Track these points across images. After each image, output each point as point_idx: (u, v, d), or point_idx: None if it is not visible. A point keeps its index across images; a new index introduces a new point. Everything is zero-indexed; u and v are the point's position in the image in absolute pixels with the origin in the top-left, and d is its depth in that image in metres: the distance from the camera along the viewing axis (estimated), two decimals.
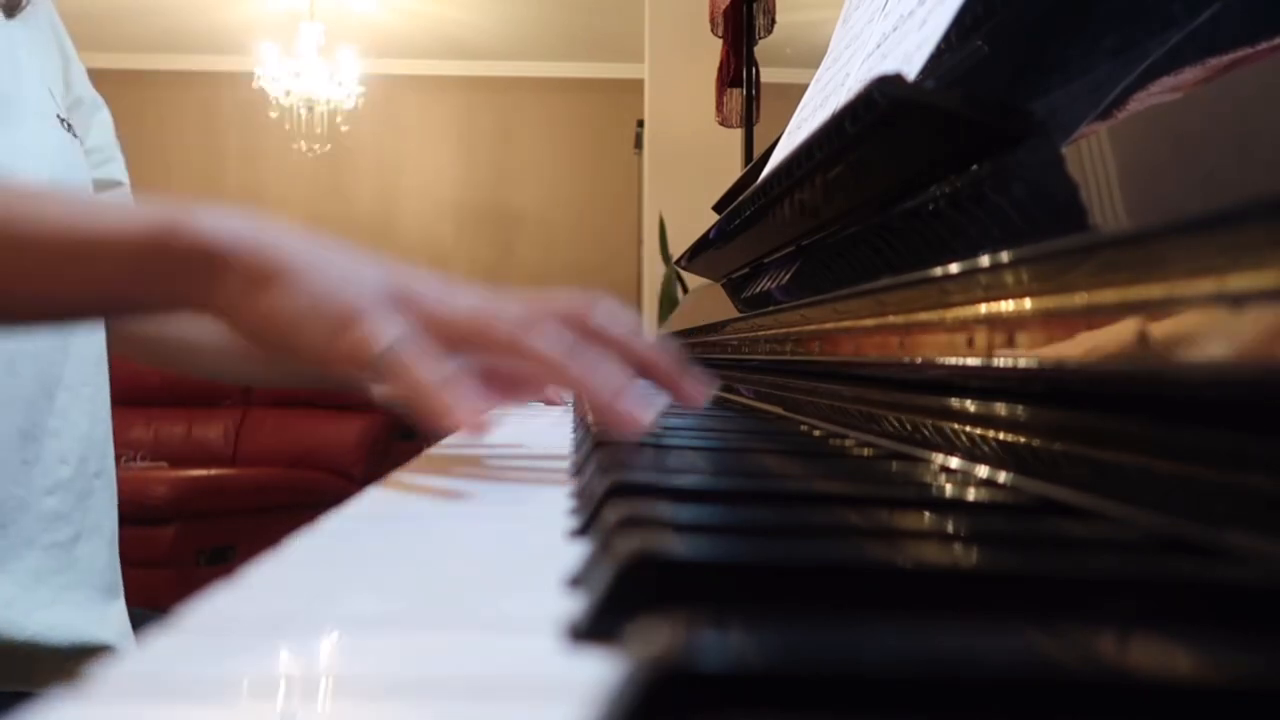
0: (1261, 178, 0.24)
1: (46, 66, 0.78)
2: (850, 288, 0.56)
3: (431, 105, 6.50)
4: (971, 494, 0.35)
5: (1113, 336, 0.30)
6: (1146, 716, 0.15)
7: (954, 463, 0.40)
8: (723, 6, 2.09)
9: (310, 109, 5.74)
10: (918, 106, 0.44)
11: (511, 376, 0.46)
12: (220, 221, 0.41)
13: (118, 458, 0.81)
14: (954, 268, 0.41)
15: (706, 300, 1.21)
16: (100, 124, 0.86)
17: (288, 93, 5.56)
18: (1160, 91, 0.34)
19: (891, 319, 0.50)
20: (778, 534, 0.28)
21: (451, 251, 6.51)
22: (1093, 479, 0.31)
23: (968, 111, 0.42)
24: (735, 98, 2.10)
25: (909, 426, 0.48)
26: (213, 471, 3.17)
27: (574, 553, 0.28)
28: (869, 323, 0.54)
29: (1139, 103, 0.35)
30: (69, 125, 0.76)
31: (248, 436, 3.77)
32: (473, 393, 0.38)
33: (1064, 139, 0.36)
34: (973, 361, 0.40)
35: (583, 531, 0.31)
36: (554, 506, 0.36)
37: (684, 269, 1.23)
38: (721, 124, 2.17)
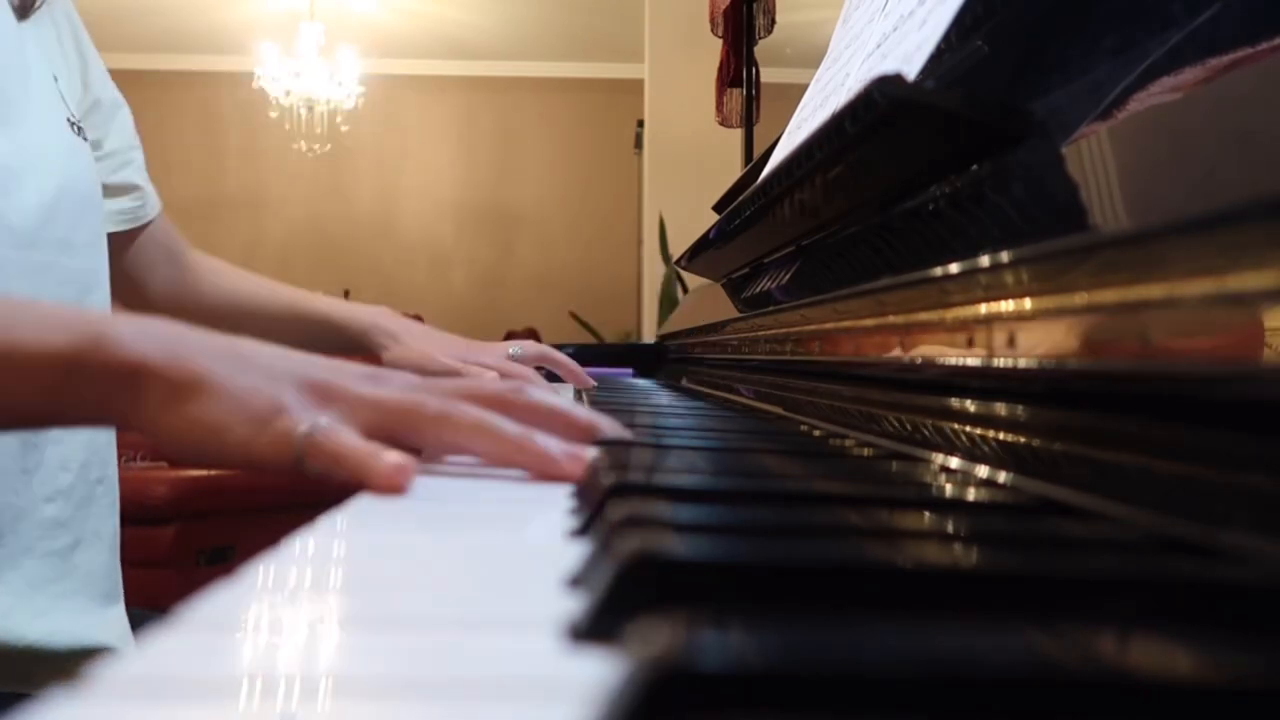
0: (1261, 178, 0.24)
1: (60, 68, 0.77)
2: (850, 288, 0.56)
3: (431, 105, 6.50)
4: (971, 494, 0.35)
5: (1113, 336, 0.30)
6: (1146, 716, 0.15)
7: (954, 463, 0.40)
8: (723, 6, 2.09)
9: (310, 109, 5.74)
10: (918, 106, 0.44)
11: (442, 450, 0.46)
12: (140, 335, 0.41)
13: (118, 458, 0.81)
14: (954, 268, 0.40)
15: (706, 300, 1.21)
16: (120, 125, 0.85)
17: (288, 93, 5.56)
18: (1160, 91, 0.34)
19: (891, 319, 0.50)
20: (778, 534, 0.28)
21: (451, 251, 6.51)
22: (1093, 479, 0.31)
23: (968, 111, 0.42)
24: (735, 98, 2.10)
25: (909, 426, 0.48)
26: (212, 471, 3.16)
27: (574, 553, 0.28)
28: (869, 323, 0.54)
29: (1139, 103, 0.35)
30: (79, 129, 0.76)
31: None
32: (393, 453, 0.38)
33: (1064, 139, 0.36)
34: (973, 361, 0.40)
35: (583, 531, 0.31)
36: (554, 506, 0.36)
37: (684, 269, 1.23)
38: (721, 124, 2.17)
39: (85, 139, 0.77)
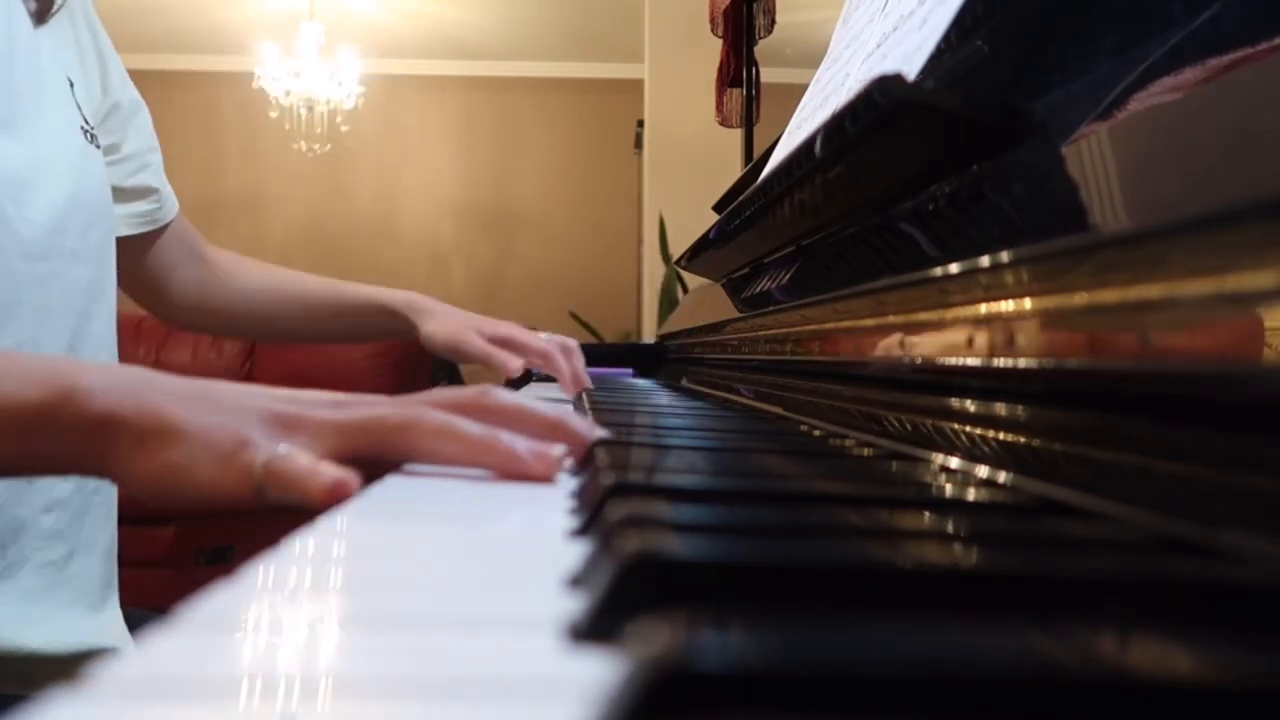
0: (1262, 178, 0.24)
1: (77, 74, 0.77)
2: (850, 288, 0.56)
3: (431, 105, 6.50)
4: (971, 494, 0.35)
5: (1113, 336, 0.30)
6: (1146, 716, 0.15)
7: (954, 463, 0.40)
8: (723, 6, 2.09)
9: (310, 109, 5.74)
10: (918, 106, 0.44)
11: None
12: (108, 387, 0.41)
13: None
14: (954, 268, 0.40)
15: (706, 300, 1.21)
16: (138, 127, 0.85)
17: (288, 93, 5.56)
18: (1160, 91, 0.34)
19: (891, 319, 0.50)
20: (778, 534, 0.28)
21: (451, 251, 6.51)
22: (1093, 479, 0.31)
23: (968, 111, 0.42)
24: (735, 98, 2.09)
25: (909, 426, 0.48)
26: None
27: (574, 553, 0.28)
28: (869, 323, 0.54)
29: (1139, 103, 0.35)
30: (93, 136, 0.76)
31: None
32: (333, 469, 0.38)
33: (1064, 139, 0.36)
34: (973, 361, 0.40)
35: (583, 531, 0.31)
36: (554, 506, 0.36)
37: (684, 269, 1.23)
38: (721, 124, 2.17)
39: (98, 146, 0.77)
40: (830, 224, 0.65)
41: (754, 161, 1.23)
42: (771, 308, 0.79)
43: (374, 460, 0.42)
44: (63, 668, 0.69)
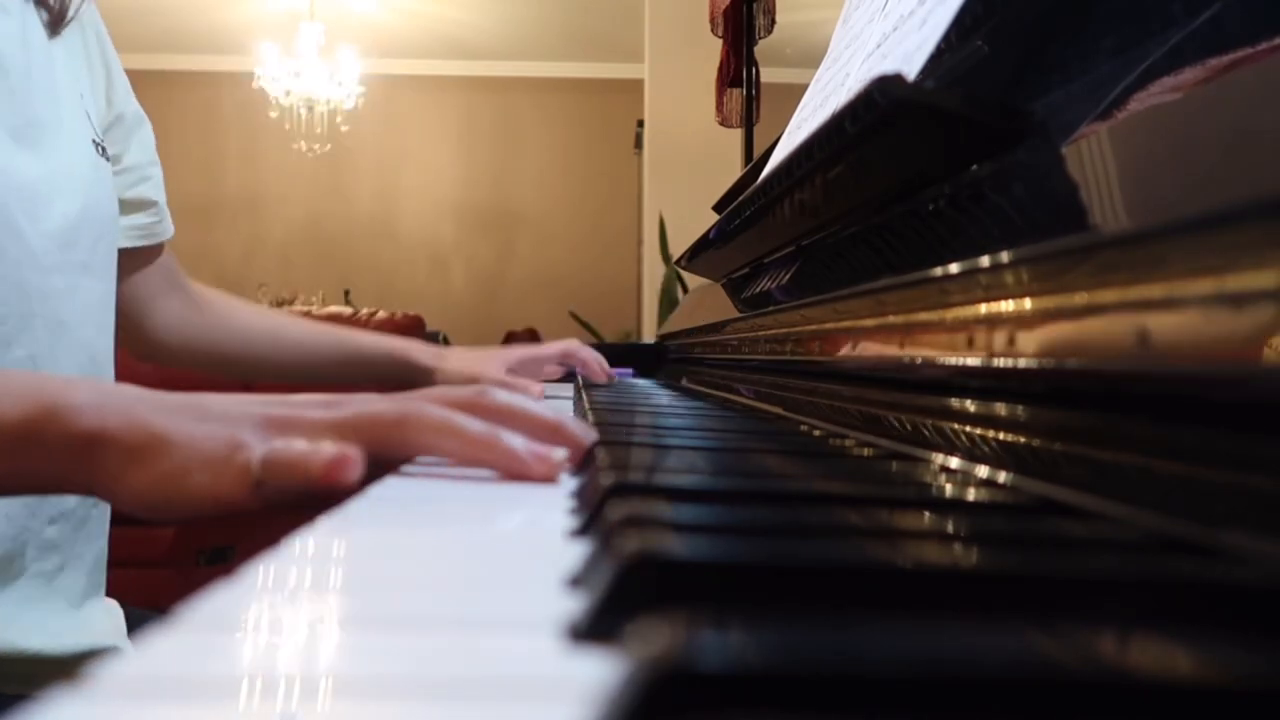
0: (1261, 178, 0.24)
1: (86, 85, 0.77)
2: (850, 288, 0.56)
3: (431, 105, 6.51)
4: (971, 494, 0.35)
5: (1113, 336, 0.30)
6: (1146, 716, 0.15)
7: (954, 463, 0.40)
8: (723, 6, 2.09)
9: (310, 109, 5.74)
10: (918, 106, 0.44)
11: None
12: (96, 404, 0.40)
13: None
14: (954, 268, 0.41)
15: (706, 300, 1.21)
16: (140, 141, 0.84)
17: (288, 93, 5.56)
18: (1160, 91, 0.34)
19: (891, 319, 0.50)
20: (778, 534, 0.28)
21: (451, 251, 6.51)
22: (1093, 479, 0.31)
23: (968, 111, 0.42)
24: (735, 98, 2.09)
25: (909, 426, 0.48)
26: None
27: (574, 553, 0.28)
28: (869, 323, 0.54)
29: (1139, 103, 0.35)
30: (103, 149, 0.76)
31: None
32: (331, 445, 0.38)
33: (1064, 139, 0.36)
34: (973, 361, 0.40)
35: (583, 531, 0.31)
36: (554, 506, 0.36)
37: (684, 269, 1.23)
38: (721, 124, 2.17)
39: (108, 158, 0.77)
40: (830, 224, 0.65)
41: (754, 161, 1.23)
42: (771, 308, 0.79)
43: (372, 457, 0.42)
44: (63, 668, 0.69)
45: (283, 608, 0.23)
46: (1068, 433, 0.34)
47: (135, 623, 0.79)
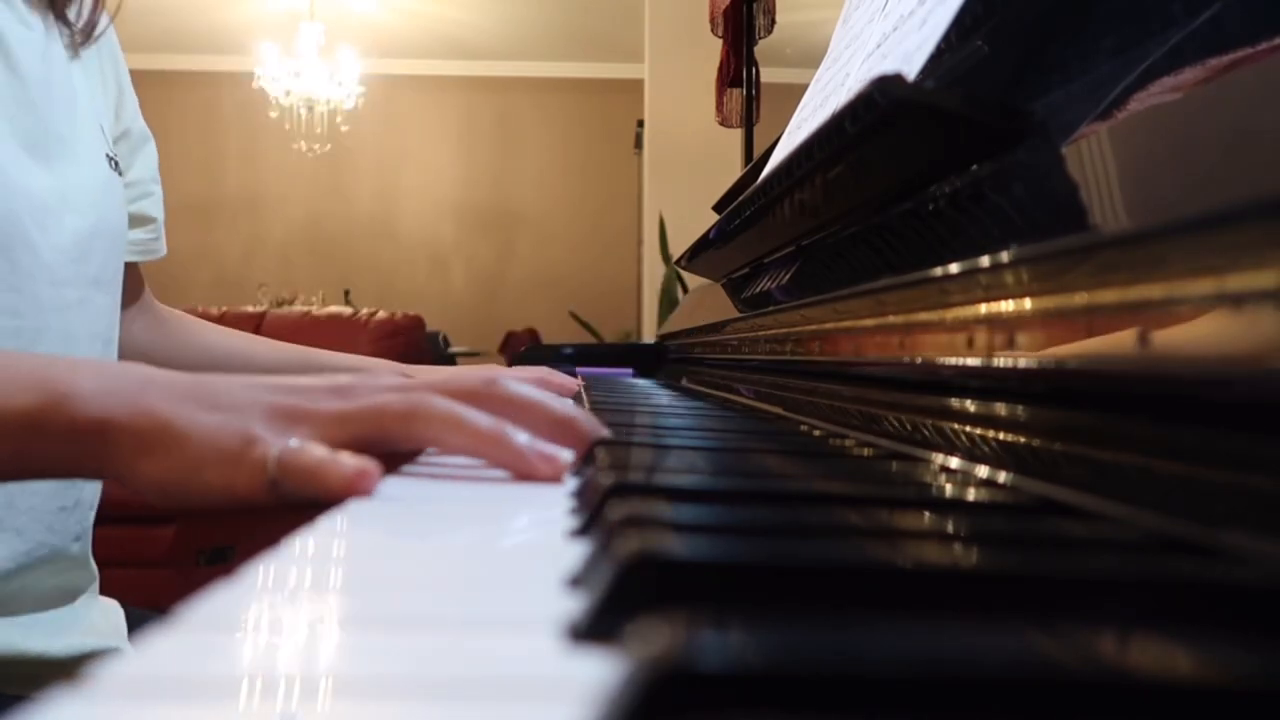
0: (1261, 178, 0.24)
1: (100, 99, 0.77)
2: (850, 288, 0.56)
3: (431, 105, 6.51)
4: (971, 494, 0.35)
5: (1113, 336, 0.30)
6: (1146, 716, 0.15)
7: (954, 463, 0.40)
8: (723, 6, 2.08)
9: (310, 109, 5.74)
10: (918, 106, 0.44)
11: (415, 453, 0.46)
12: (102, 390, 0.40)
13: None
14: (954, 268, 0.41)
15: (706, 300, 1.21)
16: (145, 158, 0.85)
17: (288, 93, 5.56)
18: (1160, 91, 0.34)
19: (891, 319, 0.50)
20: (778, 534, 0.28)
21: (451, 251, 6.51)
22: (1093, 479, 0.31)
23: (968, 111, 0.42)
24: (735, 98, 2.09)
25: (909, 426, 0.48)
26: None
27: (574, 553, 0.28)
28: (869, 323, 0.54)
29: (1139, 103, 0.35)
30: (115, 162, 0.76)
31: None
32: (352, 458, 0.38)
33: (1064, 139, 0.36)
34: (973, 361, 0.40)
35: (583, 531, 0.31)
36: (554, 506, 0.36)
37: (684, 269, 1.23)
38: (721, 124, 2.17)
39: (120, 173, 0.77)
40: (830, 224, 0.65)
41: (754, 161, 1.23)
42: (771, 308, 0.79)
43: (380, 447, 0.42)
44: (64, 669, 0.69)
45: (283, 608, 0.23)
46: (1068, 433, 0.34)
47: (135, 623, 0.79)
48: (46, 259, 0.66)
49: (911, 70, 0.52)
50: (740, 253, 0.94)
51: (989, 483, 0.37)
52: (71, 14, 0.74)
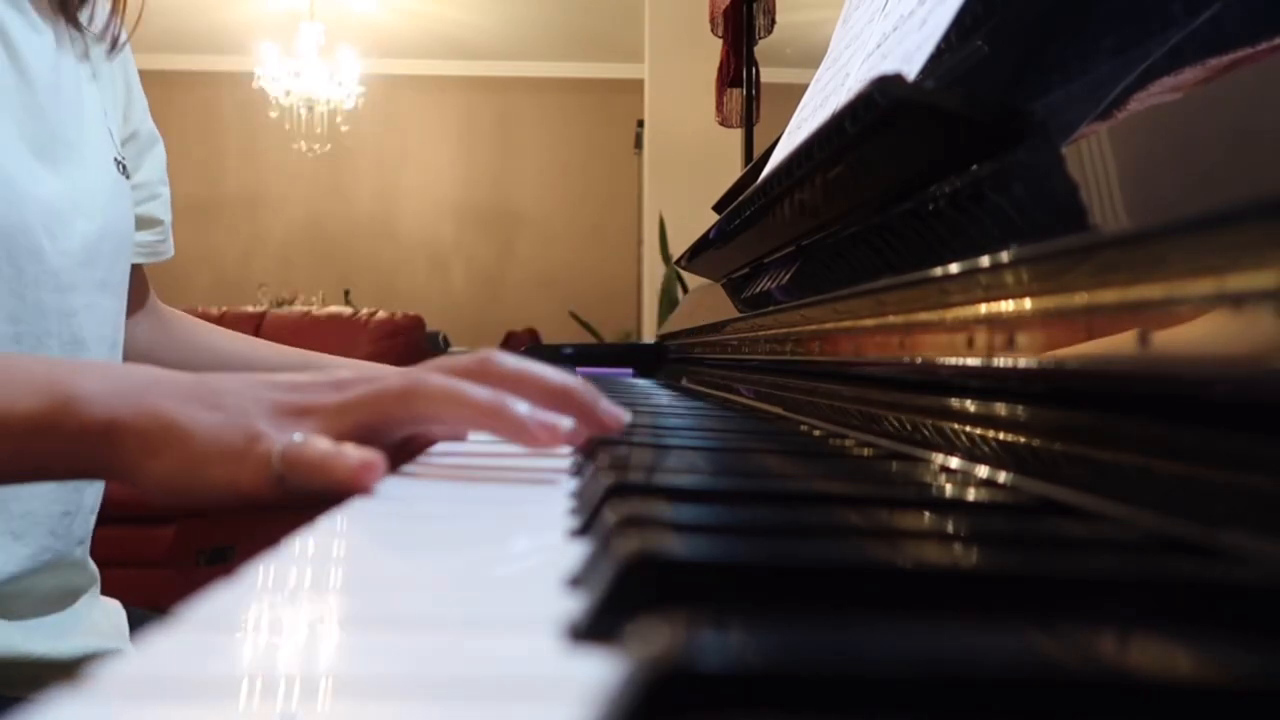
0: (1261, 178, 0.24)
1: (109, 102, 0.77)
2: (850, 288, 0.56)
3: (431, 105, 6.50)
4: (971, 494, 0.35)
5: (1113, 336, 0.30)
6: (1146, 716, 0.15)
7: (954, 463, 0.40)
8: (723, 6, 2.08)
9: (310, 109, 5.74)
10: (918, 106, 0.44)
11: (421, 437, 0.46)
12: (108, 391, 0.41)
13: None
14: (954, 268, 0.41)
15: (706, 300, 1.21)
16: (152, 160, 0.85)
17: (288, 93, 5.56)
18: (1160, 91, 0.34)
19: (891, 319, 0.50)
20: (778, 534, 0.28)
21: (451, 251, 6.51)
22: (1093, 479, 0.31)
23: (968, 111, 0.42)
24: (735, 98, 2.09)
25: (909, 426, 0.48)
26: None
27: (574, 553, 0.28)
28: (869, 323, 0.54)
29: (1139, 103, 0.35)
30: (123, 166, 0.76)
31: None
32: (357, 450, 0.38)
33: (1064, 139, 0.36)
34: (973, 361, 0.40)
35: (583, 531, 0.31)
36: (554, 506, 0.36)
37: (684, 269, 1.23)
38: (721, 124, 2.17)
39: (128, 176, 0.77)
40: (830, 224, 0.65)
41: (754, 161, 1.23)
42: (771, 308, 0.79)
43: (383, 432, 0.42)
44: (66, 671, 0.69)
45: (283, 608, 0.23)
46: (1068, 433, 0.34)
47: (135, 623, 0.79)
48: (54, 265, 0.66)
49: (911, 70, 0.52)
50: (740, 253, 0.94)
51: (989, 483, 0.37)
52: (83, 18, 0.74)
